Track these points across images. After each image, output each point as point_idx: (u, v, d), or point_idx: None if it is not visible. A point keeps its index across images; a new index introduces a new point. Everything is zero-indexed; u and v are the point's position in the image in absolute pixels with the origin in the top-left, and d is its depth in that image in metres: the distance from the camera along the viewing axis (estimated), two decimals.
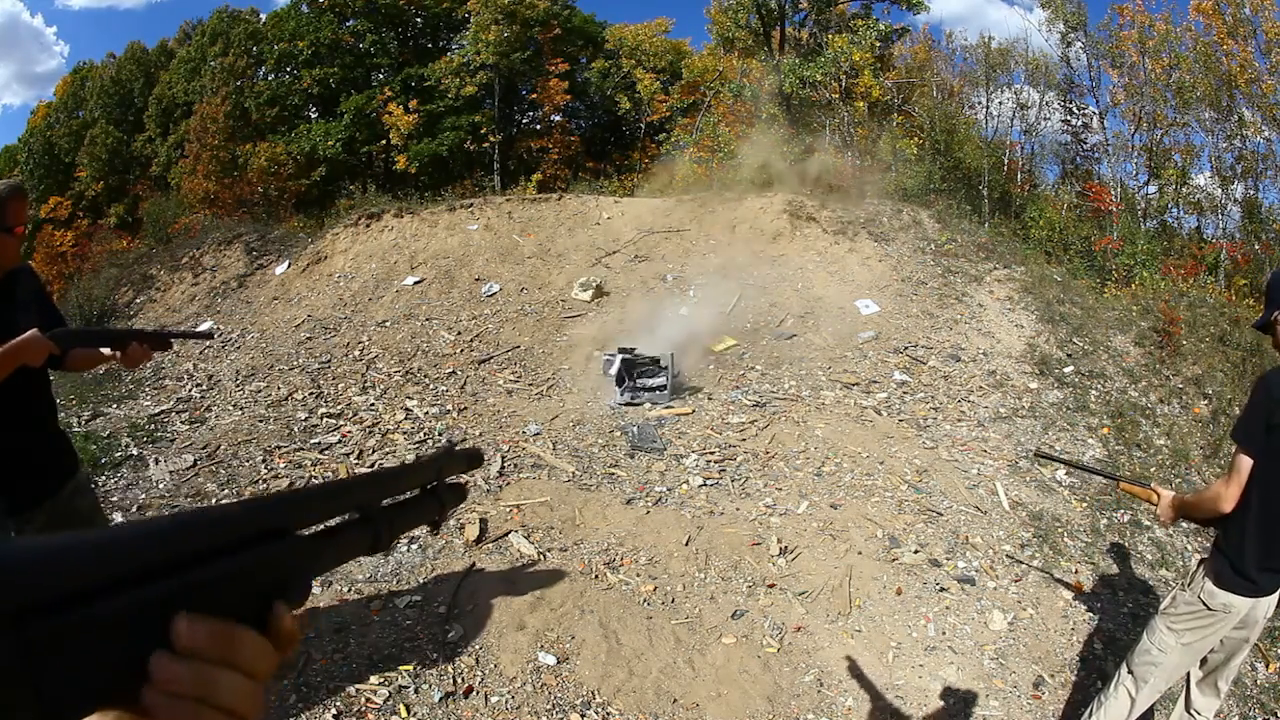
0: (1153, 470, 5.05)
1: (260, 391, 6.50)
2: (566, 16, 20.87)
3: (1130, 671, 2.44)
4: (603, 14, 29.95)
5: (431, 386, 6.47)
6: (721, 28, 17.68)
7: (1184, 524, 4.25)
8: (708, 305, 7.90)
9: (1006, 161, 14.76)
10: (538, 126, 21.38)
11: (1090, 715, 2.54)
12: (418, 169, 19.04)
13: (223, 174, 18.27)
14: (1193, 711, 2.49)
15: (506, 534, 4.01)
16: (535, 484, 4.58)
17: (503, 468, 4.81)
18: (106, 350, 2.13)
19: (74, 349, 2.13)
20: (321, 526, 0.43)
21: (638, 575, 3.66)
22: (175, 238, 11.48)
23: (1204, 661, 2.45)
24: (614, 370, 6.01)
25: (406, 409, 5.92)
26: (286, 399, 6.24)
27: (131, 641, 0.30)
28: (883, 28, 15.67)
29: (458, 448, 0.66)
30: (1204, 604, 2.27)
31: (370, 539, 0.47)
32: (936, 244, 8.32)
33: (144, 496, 4.47)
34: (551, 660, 3.01)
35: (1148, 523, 4.35)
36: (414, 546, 3.86)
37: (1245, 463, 2.15)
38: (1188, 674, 2.50)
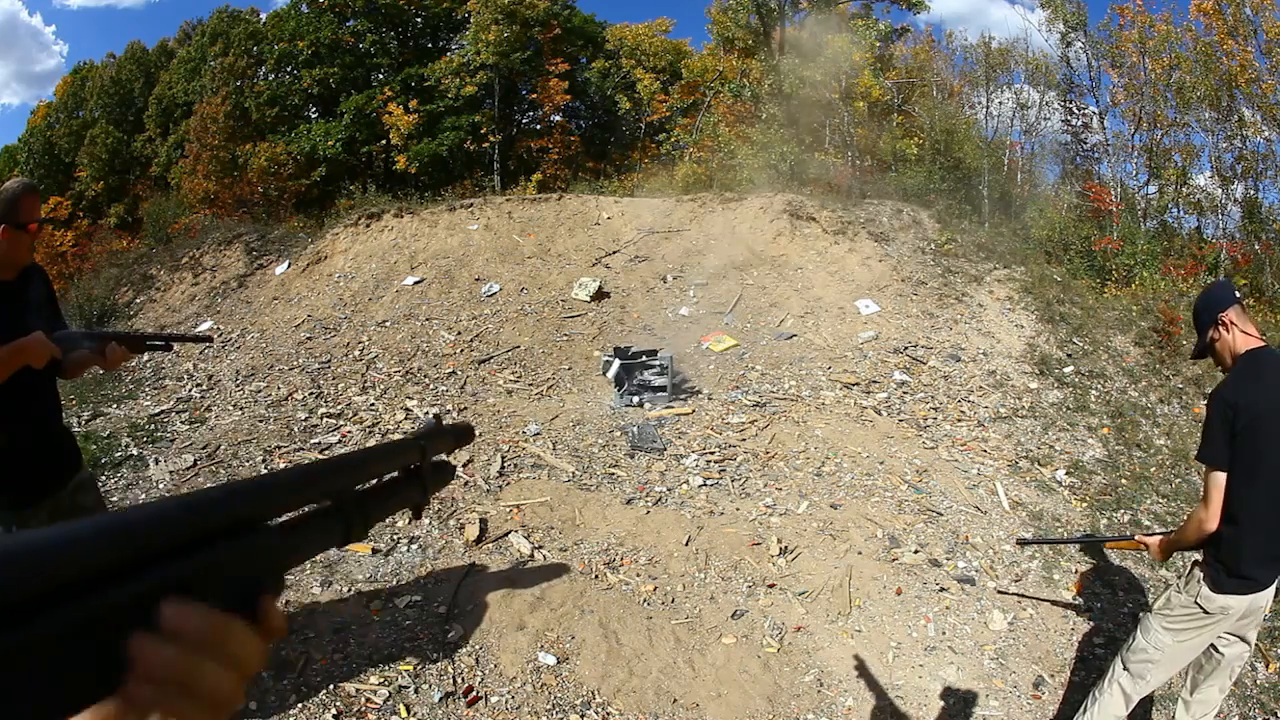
0: (1153, 470, 5.04)
1: (260, 391, 6.50)
2: (566, 16, 20.84)
3: (1126, 669, 2.45)
4: (603, 14, 29.94)
5: (431, 386, 6.47)
6: (721, 28, 17.67)
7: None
8: (708, 305, 7.90)
9: (1006, 161, 14.74)
10: (538, 126, 21.36)
11: (1085, 711, 2.54)
12: (418, 169, 19.02)
13: (223, 174, 18.26)
14: (1195, 709, 2.49)
15: (506, 534, 4.01)
16: (535, 484, 4.58)
17: (503, 468, 4.81)
18: (89, 350, 2.11)
19: (70, 353, 2.12)
20: (290, 516, 0.41)
21: (638, 575, 3.66)
22: (175, 238, 11.47)
23: (1208, 660, 2.45)
24: (613, 371, 6.01)
25: (406, 409, 5.92)
26: (286, 399, 6.24)
27: (106, 643, 0.28)
28: (882, 27, 15.67)
29: (445, 422, 0.60)
30: (1201, 608, 2.28)
31: (342, 529, 0.44)
32: (936, 244, 8.31)
33: (144, 496, 4.47)
34: (551, 660, 3.01)
35: (1148, 522, 4.35)
36: (414, 546, 3.86)
37: (1219, 480, 2.19)
38: (1191, 671, 2.50)
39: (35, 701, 0.26)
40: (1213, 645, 2.41)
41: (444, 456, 0.59)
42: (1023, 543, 3.36)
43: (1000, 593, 3.63)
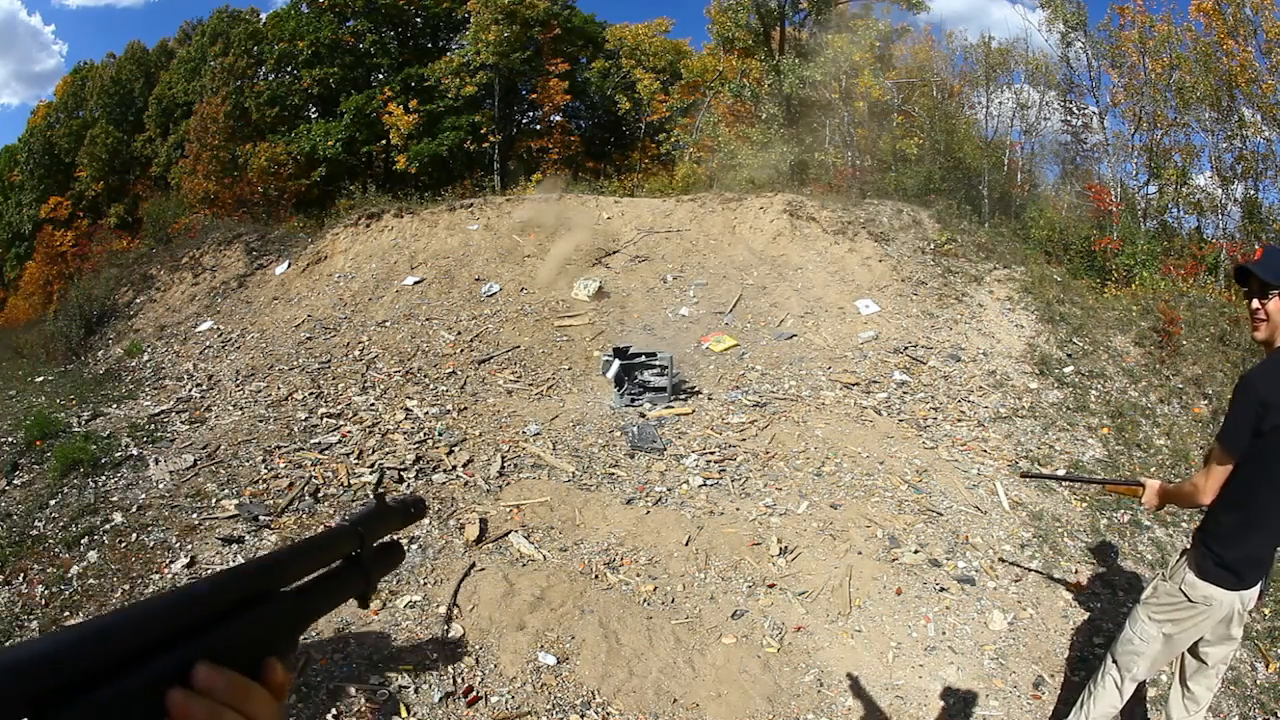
0: (1153, 470, 5.04)
1: (260, 391, 6.50)
2: (566, 16, 20.85)
3: (1115, 661, 2.47)
4: (603, 14, 29.95)
5: (431, 386, 6.47)
6: (721, 28, 17.64)
7: (1184, 525, 4.26)
8: (708, 305, 7.90)
9: (1006, 161, 14.74)
10: (538, 126, 21.37)
11: (1080, 707, 2.56)
12: (418, 169, 19.03)
13: (223, 174, 18.27)
14: (1186, 704, 2.49)
15: (506, 534, 4.01)
16: (535, 484, 4.58)
17: (503, 468, 4.81)
18: None
19: None
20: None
21: (638, 575, 3.66)
22: (175, 238, 11.48)
23: (1198, 655, 2.45)
24: (613, 371, 6.01)
25: (406, 409, 5.92)
26: (286, 399, 6.24)
27: (154, 701, 0.33)
28: (882, 27, 15.66)
29: (389, 499, 0.56)
30: (1185, 595, 2.28)
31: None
32: (936, 244, 8.31)
33: (144, 496, 4.47)
34: (551, 660, 3.01)
35: (1148, 523, 4.35)
36: (414, 546, 3.86)
37: (1224, 463, 2.17)
38: (1181, 667, 2.50)
39: None
40: (1198, 648, 2.40)
41: (392, 537, 0.56)
42: (1025, 475, 3.37)
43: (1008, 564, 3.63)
